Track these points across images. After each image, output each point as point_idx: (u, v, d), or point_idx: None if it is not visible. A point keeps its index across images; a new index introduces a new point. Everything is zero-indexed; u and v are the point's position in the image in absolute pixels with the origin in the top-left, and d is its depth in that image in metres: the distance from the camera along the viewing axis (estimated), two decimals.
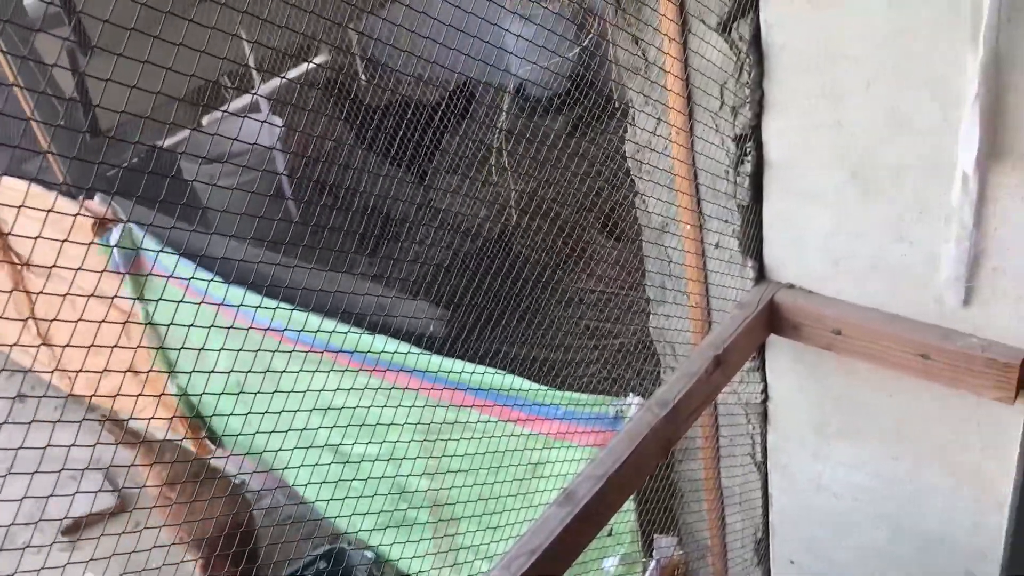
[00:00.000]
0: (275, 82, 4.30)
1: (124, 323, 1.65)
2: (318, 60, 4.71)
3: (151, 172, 1.31)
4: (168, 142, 4.52)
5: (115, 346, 1.31)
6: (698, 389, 1.85)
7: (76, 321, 1.25)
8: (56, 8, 3.39)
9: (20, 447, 1.33)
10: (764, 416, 2.27)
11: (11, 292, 3.88)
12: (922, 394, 1.95)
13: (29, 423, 1.31)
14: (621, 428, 2.40)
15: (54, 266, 1.15)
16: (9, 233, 3.99)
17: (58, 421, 1.39)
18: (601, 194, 4.03)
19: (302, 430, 2.56)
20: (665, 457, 1.88)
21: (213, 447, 4.03)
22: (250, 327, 2.98)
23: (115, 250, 3.42)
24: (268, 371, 1.94)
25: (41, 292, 1.27)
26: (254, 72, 3.87)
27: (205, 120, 4.76)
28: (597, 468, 1.69)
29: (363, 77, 4.10)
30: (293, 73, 4.66)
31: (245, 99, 4.30)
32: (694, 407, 1.86)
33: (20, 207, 1.08)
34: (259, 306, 3.02)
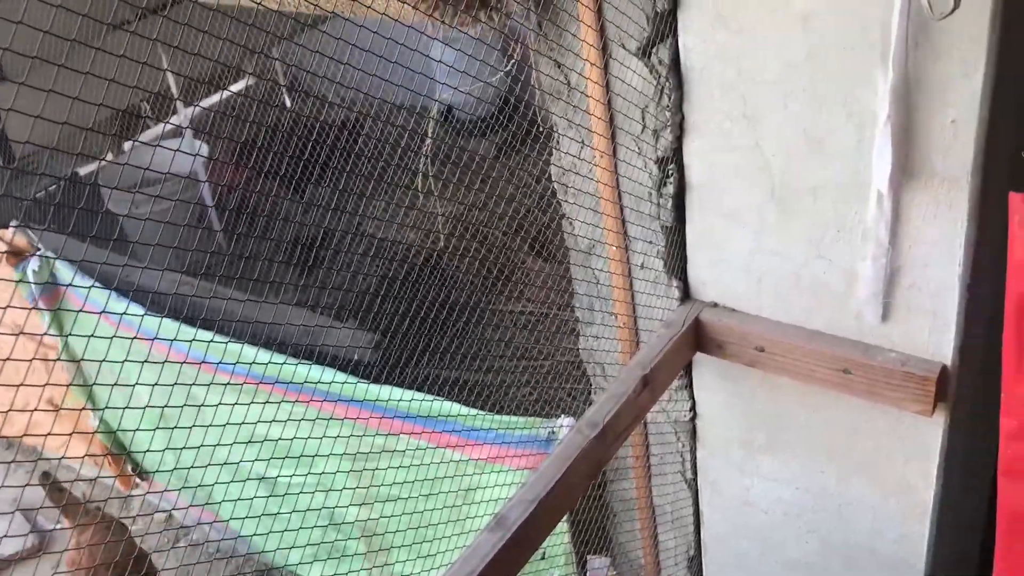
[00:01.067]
0: (196, 109, 4.24)
1: (44, 358, 1.60)
2: (238, 86, 4.65)
3: (63, 205, 1.27)
4: (88, 170, 4.42)
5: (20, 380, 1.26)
6: (627, 409, 1.86)
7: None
8: None
9: None
10: (693, 433, 2.29)
11: None
12: (844, 408, 1.99)
13: None
14: (551, 450, 2.40)
15: None
16: None
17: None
18: (528, 216, 4.05)
19: (233, 463, 2.51)
20: (596, 478, 1.88)
21: (139, 481, 3.93)
22: (169, 356, 2.92)
23: (31, 280, 3.33)
24: (196, 404, 1.90)
25: None
26: (177, 99, 3.81)
27: (126, 147, 4.66)
28: (528, 492, 1.69)
29: (288, 103, 4.07)
30: (214, 99, 4.60)
31: (167, 127, 4.23)
32: (623, 427, 1.87)
33: None
34: (177, 336, 2.96)
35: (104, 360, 1.52)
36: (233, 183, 3.93)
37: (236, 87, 4.54)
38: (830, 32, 1.60)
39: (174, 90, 3.73)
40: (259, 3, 1.68)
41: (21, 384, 1.25)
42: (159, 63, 3.50)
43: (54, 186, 3.84)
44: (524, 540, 1.65)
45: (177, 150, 1.19)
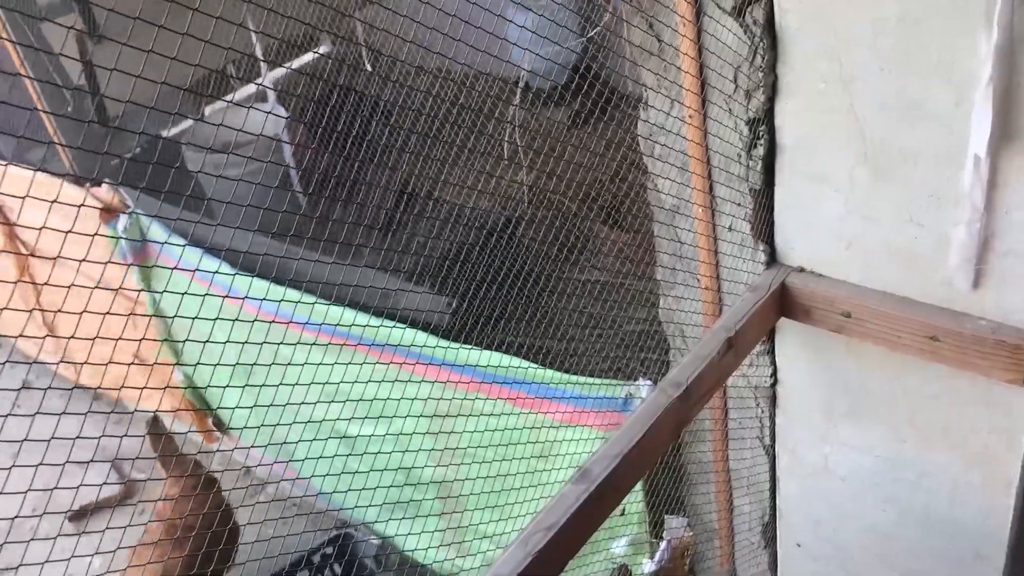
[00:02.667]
0: (280, 72, 4.31)
1: (131, 311, 1.66)
2: (322, 50, 4.72)
3: (156, 163, 1.32)
4: (171, 132, 4.54)
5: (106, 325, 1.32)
6: (710, 371, 1.87)
7: (82, 314, 1.25)
8: None
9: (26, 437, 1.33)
10: (773, 399, 2.29)
11: (16, 282, 3.89)
12: (931, 377, 1.97)
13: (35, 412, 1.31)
14: (631, 411, 2.42)
15: (58, 256, 1.16)
16: (14, 224, 3.99)
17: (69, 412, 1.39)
18: (603, 185, 4.05)
19: (315, 420, 2.58)
20: (677, 438, 1.90)
21: (220, 435, 4.05)
22: (257, 315, 3.00)
23: (122, 239, 3.44)
24: (280, 360, 1.95)
25: (48, 283, 1.27)
26: (261, 62, 3.88)
27: (207, 110, 4.77)
28: (612, 447, 1.71)
29: (368, 67, 4.12)
30: (298, 63, 4.67)
31: (250, 89, 4.31)
32: (706, 389, 1.88)
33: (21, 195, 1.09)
34: (266, 297, 3.04)
35: (196, 317, 1.57)
36: (312, 145, 4.00)
37: (319, 51, 4.61)
38: None
39: (259, 52, 3.81)
40: None
41: (112, 337, 1.31)
42: (245, 25, 3.58)
43: (138, 148, 3.95)
44: (607, 494, 1.68)
45: (269, 112, 1.23)
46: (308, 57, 4.57)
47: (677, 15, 1.81)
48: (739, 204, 1.99)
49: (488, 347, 2.84)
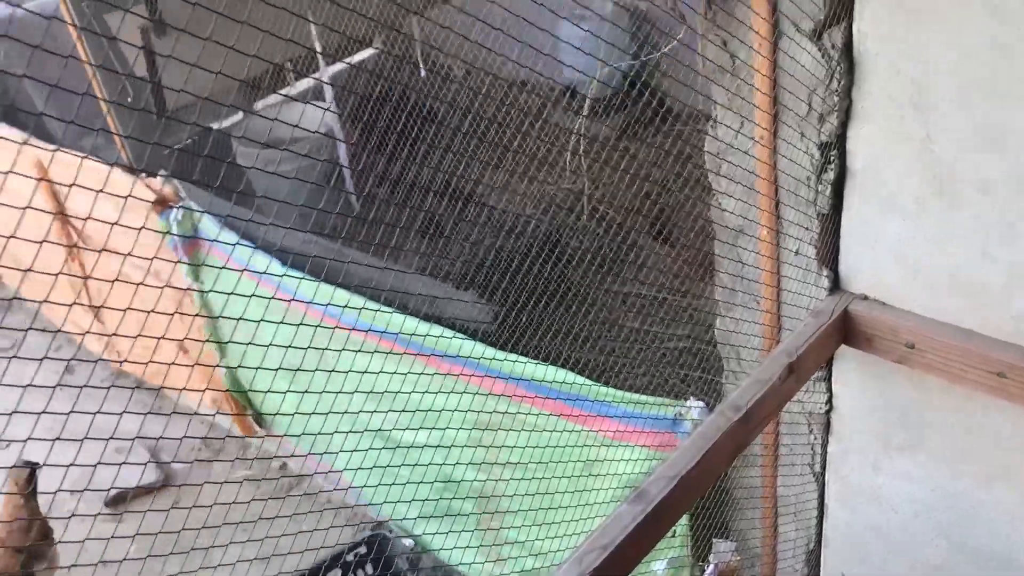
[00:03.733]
0: (336, 68, 4.32)
1: (178, 303, 1.67)
2: (370, 50, 4.73)
3: (209, 156, 1.33)
4: (223, 124, 4.57)
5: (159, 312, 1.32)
6: (771, 396, 1.85)
7: (131, 310, 1.26)
8: None
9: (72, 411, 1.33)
10: (827, 426, 2.26)
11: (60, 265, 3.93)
12: (994, 412, 1.94)
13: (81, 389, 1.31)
14: (681, 431, 2.40)
15: (104, 249, 1.16)
16: (65, 214, 4.04)
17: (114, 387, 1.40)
18: (650, 198, 4.03)
19: (353, 414, 2.58)
20: (734, 461, 1.88)
21: (258, 428, 4.07)
22: (306, 311, 3.01)
23: (174, 229, 3.46)
24: (322, 357, 1.95)
25: (98, 279, 1.27)
26: (319, 57, 3.89)
27: (259, 104, 4.80)
28: (669, 468, 1.70)
29: (423, 69, 4.12)
30: (354, 59, 4.68)
31: (304, 85, 4.33)
32: (766, 413, 1.86)
33: (73, 183, 1.09)
34: (315, 296, 3.05)
35: (242, 318, 1.57)
36: (364, 145, 4.01)
37: (368, 52, 4.62)
38: (1020, 22, 1.54)
39: (317, 47, 3.82)
40: None
41: (156, 334, 1.31)
42: (307, 26, 3.59)
43: (189, 139, 3.98)
44: (663, 515, 1.66)
45: (327, 109, 1.22)
46: (362, 55, 4.58)
47: (755, 34, 1.79)
48: (806, 228, 1.97)
49: (531, 357, 2.83)
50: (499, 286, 3.19)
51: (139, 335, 1.39)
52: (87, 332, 3.20)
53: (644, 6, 4.81)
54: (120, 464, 1.75)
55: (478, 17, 1.44)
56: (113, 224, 1.16)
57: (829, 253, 2.01)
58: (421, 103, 3.88)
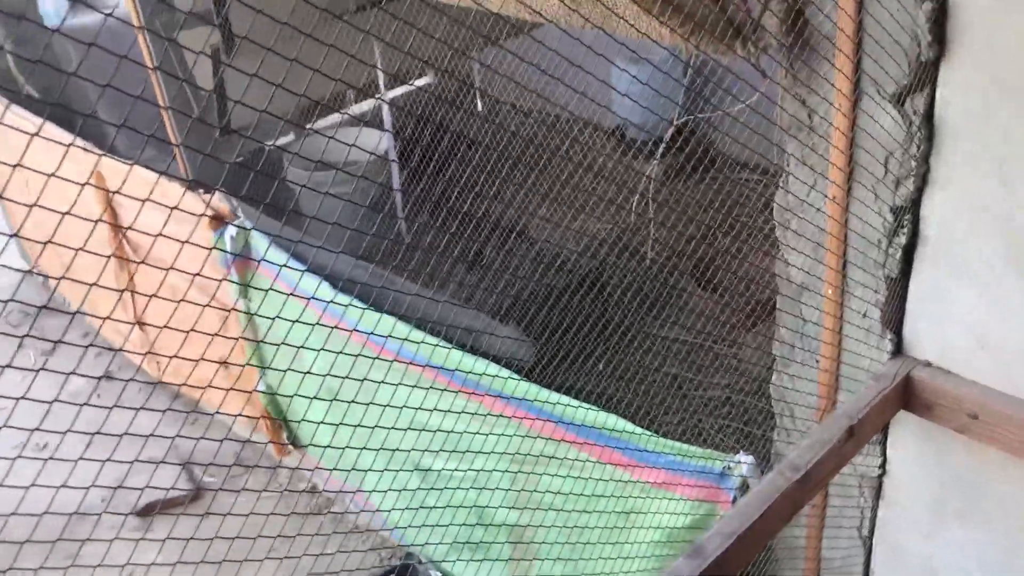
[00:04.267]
0: (396, 92, 4.37)
1: (224, 320, 1.67)
2: (422, 81, 4.77)
3: (262, 173, 1.34)
4: (276, 143, 4.62)
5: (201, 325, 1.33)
6: (829, 457, 1.83)
7: (176, 325, 1.26)
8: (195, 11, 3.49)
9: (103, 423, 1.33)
10: (878, 490, 2.23)
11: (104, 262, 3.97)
12: None
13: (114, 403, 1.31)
14: (728, 485, 2.38)
15: (142, 260, 1.17)
16: (121, 226, 4.08)
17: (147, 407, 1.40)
18: (692, 243, 4.03)
19: (391, 448, 2.58)
20: (790, 521, 1.86)
21: (292, 449, 4.07)
22: (350, 336, 3.01)
23: (228, 246, 3.49)
24: (363, 383, 1.94)
25: (147, 294, 1.27)
26: (380, 81, 3.93)
27: (317, 125, 4.86)
28: (727, 525, 1.68)
29: (480, 106, 4.16)
30: (404, 91, 4.73)
31: (361, 108, 4.37)
32: (824, 474, 1.84)
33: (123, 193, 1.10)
34: (361, 323, 3.06)
35: (286, 342, 1.57)
36: (418, 172, 4.04)
37: (422, 81, 4.67)
38: None
39: (380, 80, 3.86)
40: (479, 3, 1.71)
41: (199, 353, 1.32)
42: (371, 51, 3.63)
43: (240, 157, 4.02)
44: (718, 572, 1.64)
45: (385, 130, 1.23)
46: (421, 82, 4.62)
47: (836, 93, 1.79)
48: (873, 290, 1.95)
49: (569, 394, 2.81)
50: (541, 321, 3.19)
51: (180, 349, 1.39)
52: (129, 351, 3.22)
53: (697, 56, 4.84)
54: (151, 475, 1.74)
55: (531, 62, 1.46)
56: (156, 235, 1.16)
57: (894, 317, 1.99)
58: (475, 137, 3.91)
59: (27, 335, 1.16)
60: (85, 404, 1.31)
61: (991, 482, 2.01)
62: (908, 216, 1.87)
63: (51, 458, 1.27)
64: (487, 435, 2.88)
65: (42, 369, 1.12)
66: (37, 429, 1.19)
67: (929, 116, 1.77)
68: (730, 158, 4.88)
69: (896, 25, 1.68)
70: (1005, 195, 1.71)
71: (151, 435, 1.45)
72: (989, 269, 1.81)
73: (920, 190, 1.85)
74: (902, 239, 1.89)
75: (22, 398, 1.12)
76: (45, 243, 0.98)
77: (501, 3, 2.06)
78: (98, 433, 1.31)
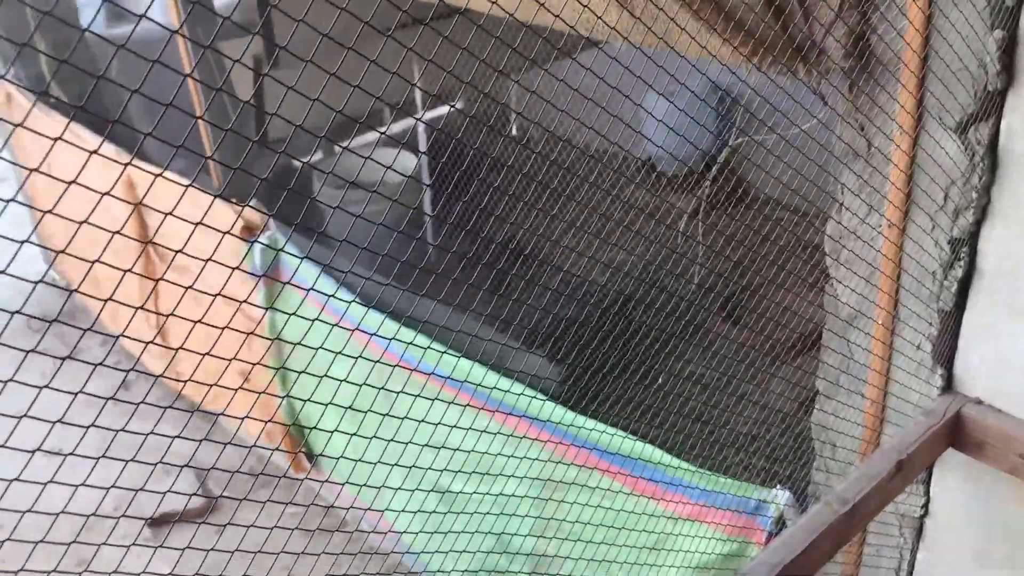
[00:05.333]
0: (432, 114, 4.37)
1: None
2: (460, 104, 4.78)
3: (293, 190, 1.32)
4: (311, 159, 4.61)
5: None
6: (877, 492, 1.78)
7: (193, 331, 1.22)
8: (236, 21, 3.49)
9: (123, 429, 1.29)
10: (919, 531, 2.17)
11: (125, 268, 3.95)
12: None
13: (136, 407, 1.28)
14: (764, 520, 2.32)
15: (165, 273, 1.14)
16: (150, 241, 4.08)
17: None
18: (729, 278, 3.98)
19: (412, 467, 2.53)
20: (835, 555, 1.80)
21: (308, 464, 4.02)
22: (382, 356, 2.98)
23: (257, 257, 3.47)
24: (389, 402, 1.90)
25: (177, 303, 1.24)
26: (418, 101, 3.93)
27: (352, 144, 4.85)
28: (772, 555, 1.63)
29: (514, 130, 4.14)
30: (436, 114, 4.73)
31: (398, 127, 4.37)
32: (871, 509, 1.79)
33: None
34: (394, 337, 3.02)
35: (314, 354, 1.54)
36: (450, 194, 4.02)
37: (461, 104, 4.67)
38: None
39: (418, 100, 3.86)
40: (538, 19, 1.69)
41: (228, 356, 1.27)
42: (411, 68, 3.63)
43: (270, 174, 4.00)
44: None
45: (421, 152, 1.21)
46: (446, 110, 4.62)
47: (895, 124, 1.76)
48: (927, 322, 1.91)
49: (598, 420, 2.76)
50: (568, 346, 3.15)
51: (203, 358, 1.35)
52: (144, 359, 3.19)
53: (733, 84, 4.82)
54: (167, 490, 1.70)
55: (569, 84, 1.43)
56: (183, 244, 1.13)
57: (946, 351, 1.94)
58: (509, 161, 3.88)
59: (33, 351, 1.11)
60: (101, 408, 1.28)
61: None
62: (965, 248, 1.83)
63: (69, 454, 1.23)
64: (511, 457, 2.83)
65: (50, 383, 1.09)
66: (57, 423, 1.16)
67: (993, 147, 1.74)
68: (762, 194, 4.86)
69: (965, 51, 1.66)
70: None
71: (169, 444, 1.41)
72: None
73: (979, 222, 1.81)
74: (958, 272, 1.85)
75: (25, 415, 1.08)
76: (57, 252, 0.96)
77: (561, 9, 2.04)
78: (114, 439, 1.27)
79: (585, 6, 1.43)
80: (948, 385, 1.98)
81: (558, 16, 1.40)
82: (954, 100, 1.72)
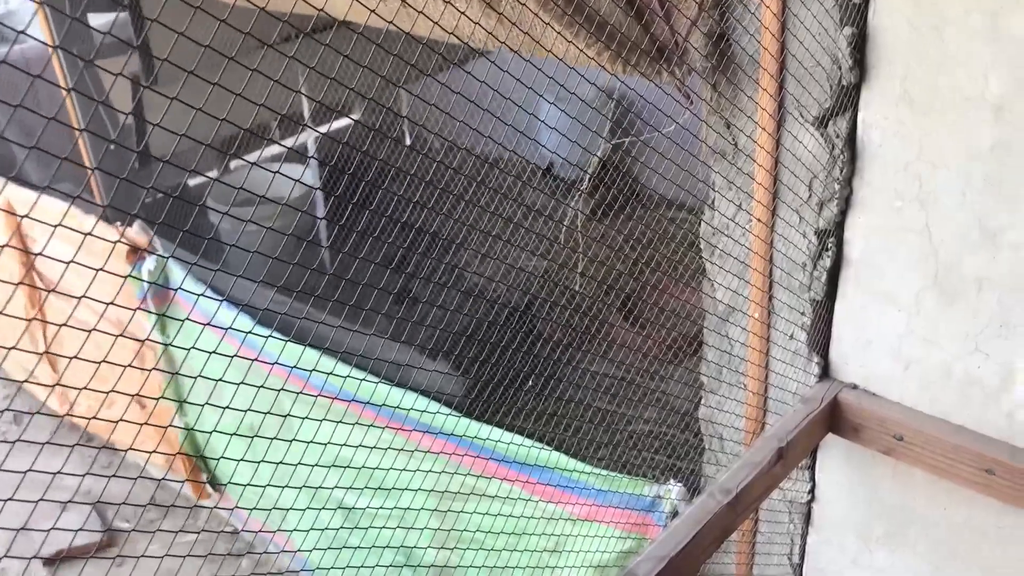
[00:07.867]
0: (314, 133, 4.33)
1: (139, 356, 1.60)
2: (354, 116, 4.74)
3: (181, 198, 1.30)
4: (197, 180, 4.52)
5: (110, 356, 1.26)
6: (760, 480, 1.82)
7: (88, 357, 1.18)
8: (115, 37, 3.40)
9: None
10: (807, 516, 2.23)
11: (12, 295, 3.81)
12: (980, 510, 1.92)
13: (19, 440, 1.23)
14: (658, 515, 2.35)
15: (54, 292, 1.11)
16: (33, 256, 3.94)
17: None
18: (619, 278, 4.04)
19: (313, 486, 2.49)
20: (721, 545, 1.83)
21: (212, 491, 3.93)
22: (271, 371, 2.92)
23: (144, 279, 3.38)
24: (284, 420, 1.87)
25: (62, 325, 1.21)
26: (305, 111, 3.88)
27: (233, 164, 4.76)
28: (659, 549, 1.65)
29: (408, 139, 4.13)
30: (334, 127, 4.68)
31: (289, 141, 4.31)
32: (755, 497, 1.83)
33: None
34: (282, 356, 2.97)
35: (207, 376, 1.51)
36: (344, 201, 3.97)
37: (355, 115, 4.63)
38: None
39: (305, 111, 3.81)
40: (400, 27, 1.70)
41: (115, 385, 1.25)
42: (296, 80, 3.58)
43: (160, 194, 3.90)
44: None
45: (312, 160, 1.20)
46: (343, 122, 4.58)
47: (761, 114, 1.81)
48: (800, 313, 1.96)
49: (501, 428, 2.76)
50: (467, 353, 3.14)
51: (89, 383, 1.31)
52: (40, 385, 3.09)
53: (623, 90, 4.90)
54: (50, 530, 1.64)
55: (463, 94, 1.44)
56: (68, 263, 1.10)
57: (821, 340, 2.00)
58: (404, 171, 3.86)
59: None
60: None
61: (916, 504, 2.02)
62: (832, 239, 1.89)
63: None
64: (412, 471, 2.81)
65: None
66: None
67: (852, 139, 1.80)
68: (656, 194, 4.94)
69: (818, 48, 1.71)
70: (924, 216, 1.74)
71: (52, 479, 1.36)
72: (911, 291, 1.83)
73: (843, 212, 1.87)
74: (827, 262, 1.91)
75: None
76: None
77: (440, 16, 2.04)
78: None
79: (462, 13, 1.43)
80: (825, 372, 2.04)
81: (436, 23, 1.40)
82: (811, 96, 1.77)
